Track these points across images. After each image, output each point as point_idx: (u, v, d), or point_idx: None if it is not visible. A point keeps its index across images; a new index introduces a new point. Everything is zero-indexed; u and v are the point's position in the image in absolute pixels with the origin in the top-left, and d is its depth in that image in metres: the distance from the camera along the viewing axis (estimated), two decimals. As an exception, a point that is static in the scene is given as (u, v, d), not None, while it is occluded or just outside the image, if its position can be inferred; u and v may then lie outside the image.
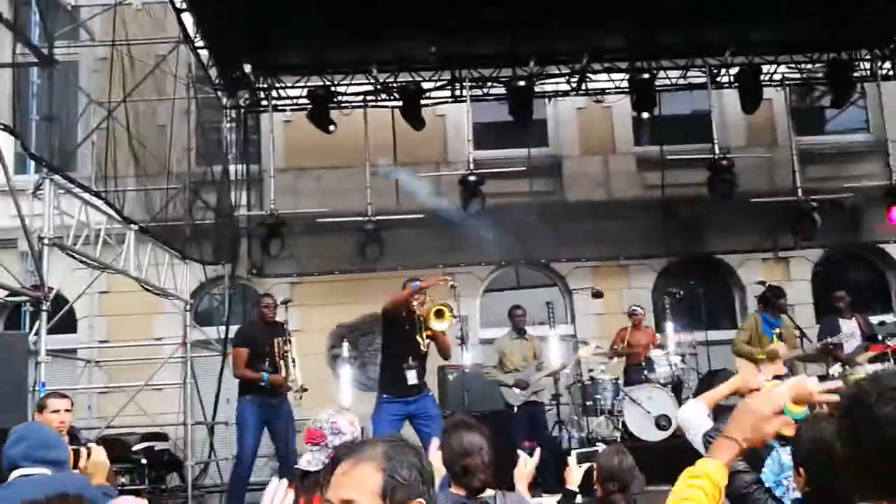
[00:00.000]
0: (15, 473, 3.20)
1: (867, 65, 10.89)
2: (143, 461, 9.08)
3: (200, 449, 10.14)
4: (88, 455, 3.57)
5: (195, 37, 9.31)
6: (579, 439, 8.58)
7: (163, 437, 10.06)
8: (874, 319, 8.88)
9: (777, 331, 8.24)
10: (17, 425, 3.47)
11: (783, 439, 2.71)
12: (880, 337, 7.90)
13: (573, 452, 4.26)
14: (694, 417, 3.21)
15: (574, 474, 4.11)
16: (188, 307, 9.85)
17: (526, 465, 3.76)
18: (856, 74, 10.78)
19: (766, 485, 2.83)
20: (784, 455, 2.81)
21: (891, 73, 11.03)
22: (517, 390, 8.35)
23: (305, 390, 7.49)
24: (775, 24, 9.96)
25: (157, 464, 9.53)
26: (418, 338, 6.66)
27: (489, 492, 3.30)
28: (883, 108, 11.28)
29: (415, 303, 6.58)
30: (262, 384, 7.40)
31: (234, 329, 10.32)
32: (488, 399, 8.64)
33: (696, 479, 1.90)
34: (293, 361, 7.57)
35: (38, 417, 4.92)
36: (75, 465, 3.49)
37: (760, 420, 1.96)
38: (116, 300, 10.89)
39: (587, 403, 8.79)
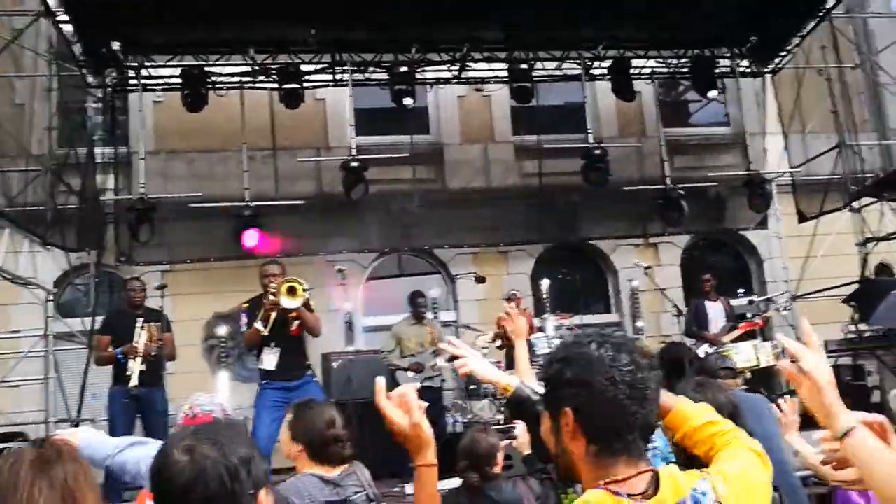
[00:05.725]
0: None
1: (727, 62, 11.52)
2: (-2, 463, 8.43)
3: (63, 448, 9.50)
4: None
5: (57, 10, 8.68)
6: (463, 423, 8.66)
7: (21, 436, 9.38)
8: (744, 299, 9.43)
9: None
10: None
11: None
12: (749, 315, 8.42)
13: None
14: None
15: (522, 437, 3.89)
16: (50, 297, 9.20)
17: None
18: (717, 71, 11.37)
19: (662, 455, 2.68)
20: None
21: (748, 70, 11.73)
22: (411, 374, 8.33)
23: None
24: (644, 20, 10.33)
25: (15, 466, 8.88)
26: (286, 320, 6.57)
27: (345, 466, 3.26)
28: (741, 102, 12.00)
29: (271, 287, 6.46)
30: (119, 359, 7.09)
31: (100, 320, 9.79)
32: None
33: None
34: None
35: None
36: None
37: None
38: (-32, 291, 10.05)
39: (471, 387, 8.88)
